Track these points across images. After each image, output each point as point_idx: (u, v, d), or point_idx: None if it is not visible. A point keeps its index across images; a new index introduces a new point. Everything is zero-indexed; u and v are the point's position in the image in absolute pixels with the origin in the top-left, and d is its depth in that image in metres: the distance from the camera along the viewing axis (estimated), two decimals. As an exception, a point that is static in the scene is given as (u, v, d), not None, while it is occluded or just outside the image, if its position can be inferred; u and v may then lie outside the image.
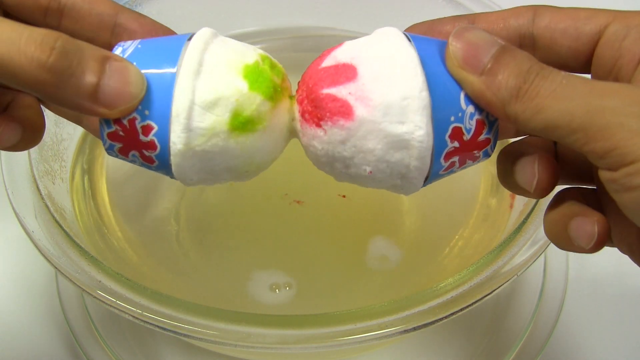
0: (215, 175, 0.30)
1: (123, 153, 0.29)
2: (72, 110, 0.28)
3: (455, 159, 0.29)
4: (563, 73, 0.26)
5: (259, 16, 0.55)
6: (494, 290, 0.34)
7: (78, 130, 0.46)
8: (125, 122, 0.28)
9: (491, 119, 0.29)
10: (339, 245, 0.46)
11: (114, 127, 0.28)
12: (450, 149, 0.29)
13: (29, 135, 0.32)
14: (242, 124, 0.28)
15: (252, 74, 0.29)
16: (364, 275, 0.44)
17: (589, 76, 0.29)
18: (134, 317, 0.34)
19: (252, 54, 0.30)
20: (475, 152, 0.29)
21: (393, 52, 0.29)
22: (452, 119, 0.28)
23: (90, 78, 0.27)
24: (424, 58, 0.28)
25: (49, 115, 0.39)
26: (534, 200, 0.38)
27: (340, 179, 0.31)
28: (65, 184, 0.43)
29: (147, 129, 0.28)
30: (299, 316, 0.34)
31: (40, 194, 0.39)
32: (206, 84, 0.28)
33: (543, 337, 0.45)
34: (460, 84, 0.28)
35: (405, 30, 0.31)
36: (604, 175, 0.25)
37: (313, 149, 0.30)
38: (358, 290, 0.44)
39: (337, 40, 0.31)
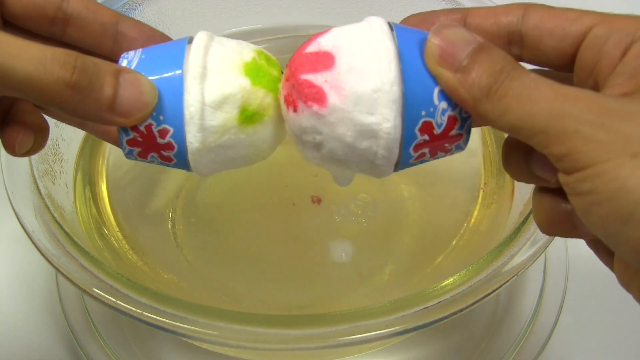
0: (229, 164, 0.32)
1: (142, 156, 0.31)
2: (93, 121, 0.30)
3: (426, 150, 0.30)
4: (532, 75, 0.26)
5: (259, 15, 0.55)
6: (494, 290, 0.34)
7: (79, 131, 0.46)
8: (142, 128, 0.30)
9: (464, 115, 0.29)
10: (339, 245, 0.46)
11: (132, 134, 0.30)
12: (420, 141, 0.30)
13: (39, 138, 0.33)
14: (249, 117, 0.31)
15: (252, 70, 0.31)
16: (363, 276, 0.44)
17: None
18: (134, 317, 0.34)
19: (248, 51, 0.32)
20: (447, 145, 0.30)
21: (371, 44, 0.30)
22: (423, 113, 0.29)
23: (107, 91, 0.28)
24: (403, 51, 0.29)
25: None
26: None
27: (312, 162, 0.32)
28: (65, 184, 0.43)
29: (163, 132, 0.30)
30: (299, 316, 0.34)
31: (40, 194, 0.39)
32: (213, 86, 0.30)
33: (543, 337, 0.45)
34: (436, 80, 0.29)
35: (401, 21, 0.32)
36: (560, 177, 0.25)
37: (289, 129, 0.31)
38: (358, 291, 0.44)
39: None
